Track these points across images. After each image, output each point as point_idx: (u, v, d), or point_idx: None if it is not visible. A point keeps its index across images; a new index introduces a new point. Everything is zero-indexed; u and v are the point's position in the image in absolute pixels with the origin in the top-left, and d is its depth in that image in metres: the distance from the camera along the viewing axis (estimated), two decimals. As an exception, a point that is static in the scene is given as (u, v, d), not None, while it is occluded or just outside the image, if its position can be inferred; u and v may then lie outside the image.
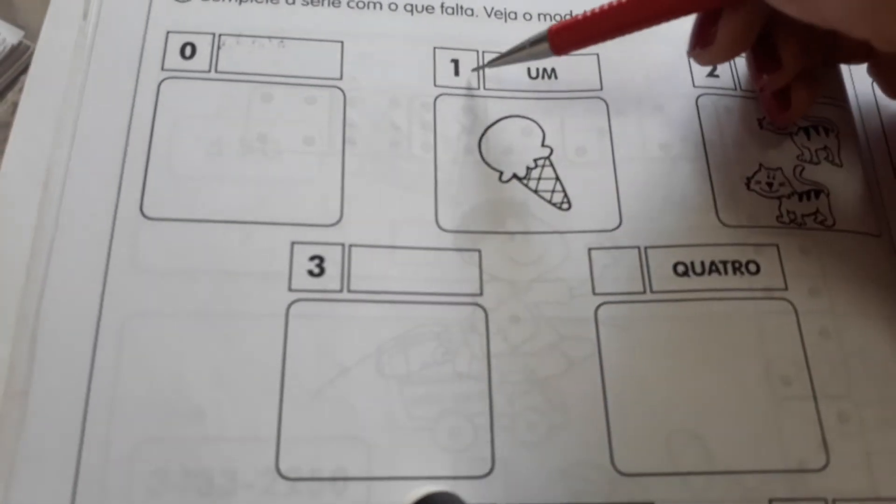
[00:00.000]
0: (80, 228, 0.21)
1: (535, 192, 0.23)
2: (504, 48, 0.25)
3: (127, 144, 0.22)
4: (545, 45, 0.22)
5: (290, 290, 0.21)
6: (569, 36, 0.22)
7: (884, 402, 0.21)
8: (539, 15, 0.26)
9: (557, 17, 0.26)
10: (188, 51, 0.23)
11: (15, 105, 0.27)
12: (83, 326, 0.20)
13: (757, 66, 0.23)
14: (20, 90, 0.26)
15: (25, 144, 0.22)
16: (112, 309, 0.20)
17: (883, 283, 0.22)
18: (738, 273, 0.22)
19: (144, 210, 0.21)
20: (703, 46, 0.22)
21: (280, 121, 0.23)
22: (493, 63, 0.24)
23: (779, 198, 0.23)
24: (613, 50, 0.25)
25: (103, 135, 0.22)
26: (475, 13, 0.25)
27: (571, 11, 0.26)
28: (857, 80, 0.26)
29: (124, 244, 0.21)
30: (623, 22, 0.21)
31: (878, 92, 0.26)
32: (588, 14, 0.21)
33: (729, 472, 0.20)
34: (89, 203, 0.21)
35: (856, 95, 0.26)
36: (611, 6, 0.21)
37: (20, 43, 0.26)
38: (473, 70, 0.24)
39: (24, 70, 0.26)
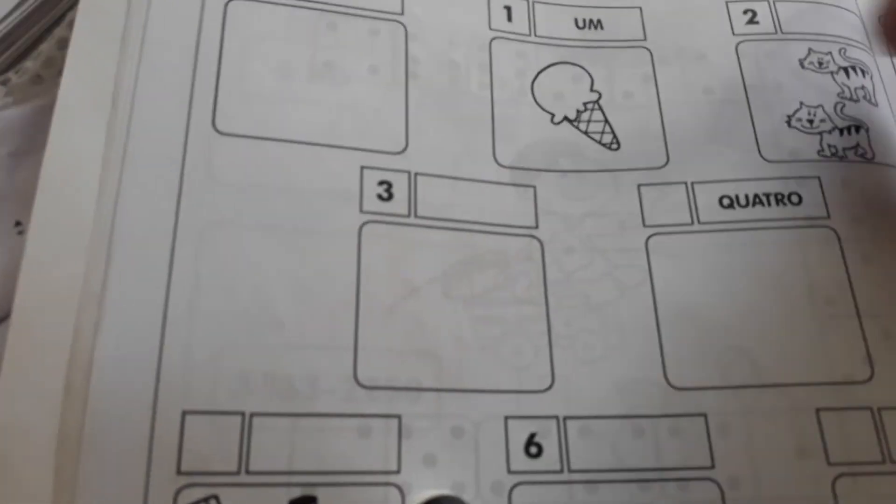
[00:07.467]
0: (153, 140, 0.21)
1: (586, 133, 0.24)
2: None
3: (196, 64, 0.22)
4: None
5: (361, 211, 0.21)
6: None
7: None
8: None
9: None
10: None
11: (61, 40, 0.27)
12: (160, 236, 0.20)
13: None
14: (69, 25, 0.26)
15: (88, 62, 0.21)
16: (188, 219, 0.20)
17: None
18: (780, 204, 0.23)
19: (217, 125, 0.21)
20: None
21: (346, 49, 0.23)
22: None
23: (820, 133, 0.24)
24: (657, 3, 0.26)
25: (171, 55, 0.22)
26: None
27: None
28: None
29: (198, 156, 0.21)
30: None
31: None
32: None
33: (777, 384, 0.21)
34: (161, 116, 0.21)
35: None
36: None
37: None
38: None
39: (73, 5, 0.26)
